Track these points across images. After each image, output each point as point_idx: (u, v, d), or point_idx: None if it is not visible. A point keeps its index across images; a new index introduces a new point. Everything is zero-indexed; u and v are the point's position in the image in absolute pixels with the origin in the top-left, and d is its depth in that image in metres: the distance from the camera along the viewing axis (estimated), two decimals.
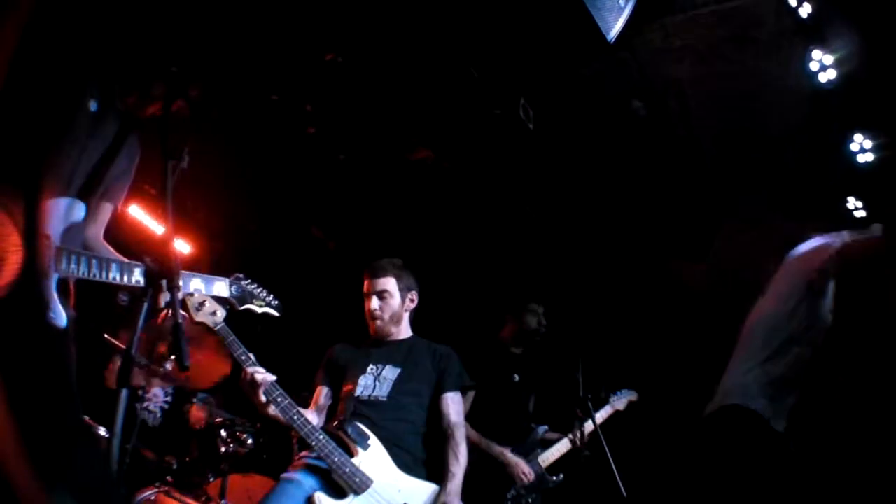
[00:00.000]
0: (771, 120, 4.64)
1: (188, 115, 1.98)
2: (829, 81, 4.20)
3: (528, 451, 4.11)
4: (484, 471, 3.86)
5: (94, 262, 1.99)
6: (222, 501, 3.68)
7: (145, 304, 1.82)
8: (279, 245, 5.70)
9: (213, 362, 3.96)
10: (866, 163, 4.74)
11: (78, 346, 1.99)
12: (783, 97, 4.45)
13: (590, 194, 5.28)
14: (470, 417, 3.69)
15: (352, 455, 2.78)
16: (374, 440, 2.85)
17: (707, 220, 5.31)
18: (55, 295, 1.90)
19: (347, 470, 2.72)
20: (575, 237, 5.52)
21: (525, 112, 4.47)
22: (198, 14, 2.38)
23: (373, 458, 2.81)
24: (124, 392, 1.74)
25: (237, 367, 2.73)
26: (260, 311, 2.56)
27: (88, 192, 2.06)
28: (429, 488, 2.90)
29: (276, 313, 2.62)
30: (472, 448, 3.60)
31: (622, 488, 3.59)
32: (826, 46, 4.10)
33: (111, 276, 2.01)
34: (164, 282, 1.81)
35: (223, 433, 3.88)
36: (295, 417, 2.69)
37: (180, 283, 1.93)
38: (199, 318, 2.51)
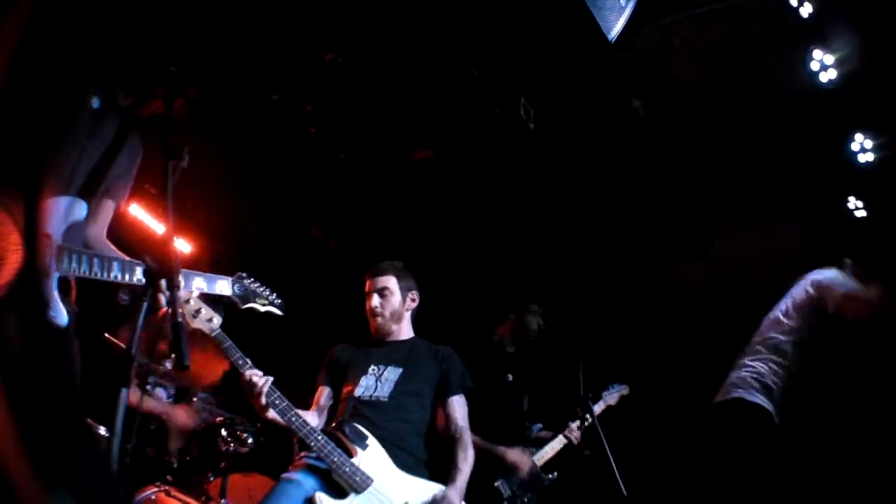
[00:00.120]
0: (771, 120, 4.63)
1: (188, 115, 1.98)
2: (830, 81, 4.20)
3: (523, 449, 4.11)
4: (482, 472, 3.86)
5: (95, 260, 1.99)
6: (223, 501, 3.67)
7: (145, 304, 1.82)
8: (279, 245, 5.70)
9: (212, 361, 3.96)
10: (866, 163, 4.73)
11: (80, 343, 2.00)
12: (783, 97, 4.45)
13: (590, 194, 5.28)
14: None
15: (351, 455, 2.78)
16: (372, 440, 2.85)
17: (707, 219, 5.30)
18: (56, 293, 1.89)
19: (347, 469, 2.72)
20: (575, 237, 5.53)
21: (526, 112, 4.47)
22: (198, 14, 2.38)
23: (372, 458, 2.81)
24: (124, 392, 1.74)
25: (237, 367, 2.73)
26: (263, 309, 2.56)
27: (89, 192, 2.06)
28: (429, 487, 2.90)
29: (279, 312, 2.61)
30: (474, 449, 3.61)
31: (623, 488, 3.59)
32: (826, 46, 4.09)
33: (113, 274, 2.01)
34: (163, 281, 1.82)
35: (224, 432, 3.88)
36: (293, 419, 2.70)
37: (180, 282, 1.93)
38: (195, 324, 2.50)
